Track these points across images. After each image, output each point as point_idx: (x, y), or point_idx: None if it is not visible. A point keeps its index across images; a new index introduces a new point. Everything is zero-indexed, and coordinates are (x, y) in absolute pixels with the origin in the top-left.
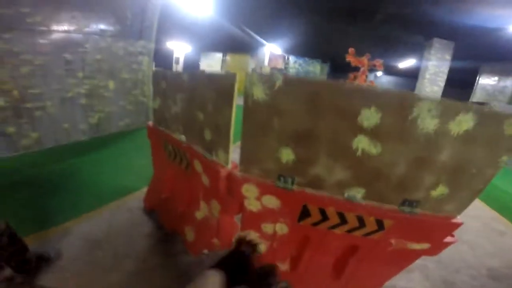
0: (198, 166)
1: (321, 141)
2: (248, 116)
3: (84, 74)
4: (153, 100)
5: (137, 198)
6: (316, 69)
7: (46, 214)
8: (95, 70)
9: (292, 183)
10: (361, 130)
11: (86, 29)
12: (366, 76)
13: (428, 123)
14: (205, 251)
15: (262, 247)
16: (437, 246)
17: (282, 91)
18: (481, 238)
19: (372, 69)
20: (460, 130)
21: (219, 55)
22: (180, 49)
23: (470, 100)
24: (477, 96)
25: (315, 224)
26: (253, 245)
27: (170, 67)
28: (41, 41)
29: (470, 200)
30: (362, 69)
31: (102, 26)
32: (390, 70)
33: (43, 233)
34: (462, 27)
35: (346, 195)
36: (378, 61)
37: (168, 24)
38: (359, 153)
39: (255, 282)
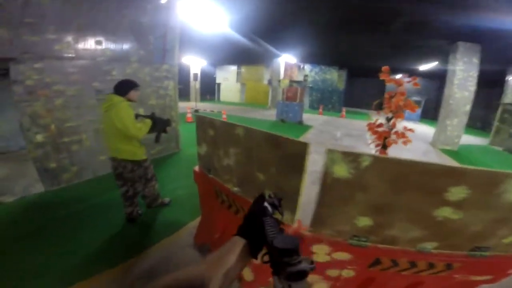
0: None
1: (401, 211)
2: (327, 190)
3: None
4: (198, 145)
5: (188, 234)
6: (333, 76)
7: (100, 254)
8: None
9: (366, 241)
10: (446, 203)
11: (112, 55)
12: (406, 97)
13: None
14: None
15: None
16: (499, 277)
17: (369, 170)
18: None
19: (393, 72)
20: None
21: (233, 68)
22: (196, 64)
23: (501, 101)
24: (508, 97)
25: (385, 269)
26: (273, 205)
27: (188, 84)
28: (70, 69)
29: None
30: (399, 88)
31: (127, 52)
32: (410, 73)
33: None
34: (487, 30)
35: (417, 247)
36: (415, 79)
37: (183, 40)
38: (440, 219)
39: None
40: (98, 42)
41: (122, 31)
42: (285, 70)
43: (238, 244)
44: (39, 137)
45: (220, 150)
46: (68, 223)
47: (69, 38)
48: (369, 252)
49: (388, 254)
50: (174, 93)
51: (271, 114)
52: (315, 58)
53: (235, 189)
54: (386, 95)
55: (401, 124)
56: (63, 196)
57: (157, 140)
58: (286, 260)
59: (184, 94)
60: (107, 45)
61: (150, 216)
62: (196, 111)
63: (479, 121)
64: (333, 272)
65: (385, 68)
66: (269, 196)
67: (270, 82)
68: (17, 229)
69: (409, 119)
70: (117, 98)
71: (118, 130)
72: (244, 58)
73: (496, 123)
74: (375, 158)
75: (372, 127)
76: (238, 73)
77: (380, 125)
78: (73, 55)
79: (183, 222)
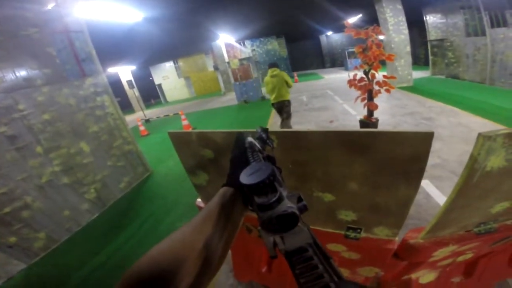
0: (333, 247)
1: None
2: (468, 190)
3: (43, 146)
4: (190, 174)
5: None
6: (274, 46)
7: None
8: (54, 136)
9: (495, 223)
10: None
11: (5, 85)
12: (382, 47)
13: None
14: None
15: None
16: None
17: None
18: None
19: (324, 30)
20: None
21: (170, 64)
22: (125, 71)
23: (428, 39)
24: (432, 34)
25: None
26: (261, 139)
27: (124, 95)
28: None
29: None
30: (370, 40)
31: (26, 76)
32: (340, 28)
33: None
34: None
35: None
36: (378, 28)
37: (102, 49)
38: None
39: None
40: None
41: (3, 50)
42: (228, 51)
43: (225, 196)
44: None
45: None
46: None
47: None
48: (498, 233)
49: None
50: (115, 108)
51: (230, 99)
52: (252, 32)
53: None
54: (357, 49)
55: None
56: (53, 266)
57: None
58: (260, 201)
59: (125, 106)
60: None
61: None
62: (148, 120)
63: None
64: (446, 262)
65: (346, 22)
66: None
67: (216, 67)
68: None
69: (351, 69)
70: (278, 69)
71: (284, 84)
72: (178, 51)
73: (430, 57)
74: None
75: (353, 84)
76: (177, 68)
77: (362, 79)
78: None
79: None
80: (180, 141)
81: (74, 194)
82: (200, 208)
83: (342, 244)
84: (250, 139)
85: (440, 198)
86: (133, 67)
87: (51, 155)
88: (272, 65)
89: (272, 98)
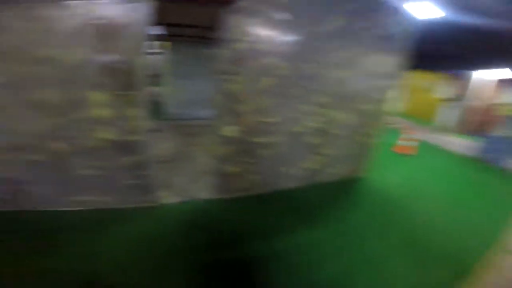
0: None
1: None
2: None
3: (319, 100)
4: None
5: None
6: None
7: None
8: (334, 95)
9: None
10: None
11: (333, 28)
12: None
13: None
14: None
15: None
16: None
17: None
18: None
19: None
20: None
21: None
22: None
23: None
24: None
25: None
26: None
27: None
28: (289, 38)
29: None
30: None
31: (357, 26)
32: None
33: None
34: None
35: None
36: None
37: None
38: None
39: None
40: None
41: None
42: (479, 87)
43: None
44: (228, 131)
45: None
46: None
47: None
48: None
49: None
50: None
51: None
52: None
53: None
54: None
55: None
56: (233, 214)
57: None
58: None
59: None
60: (332, 15)
61: None
62: None
63: None
64: None
65: None
66: None
67: (459, 98)
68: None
69: None
70: None
71: None
72: (418, 62)
73: None
74: None
75: None
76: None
77: None
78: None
79: None
80: None
81: (304, 155)
82: None
83: None
84: None
85: None
86: None
87: (320, 110)
88: None
89: None
